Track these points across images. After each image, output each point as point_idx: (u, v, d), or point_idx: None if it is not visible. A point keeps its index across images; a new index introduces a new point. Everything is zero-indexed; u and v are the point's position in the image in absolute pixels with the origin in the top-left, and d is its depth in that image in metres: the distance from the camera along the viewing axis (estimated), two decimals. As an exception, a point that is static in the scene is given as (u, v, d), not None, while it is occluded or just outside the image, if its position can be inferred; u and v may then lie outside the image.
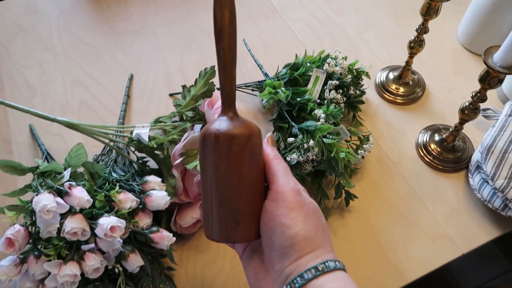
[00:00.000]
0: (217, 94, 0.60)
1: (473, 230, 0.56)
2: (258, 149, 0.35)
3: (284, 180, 0.34)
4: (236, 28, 0.34)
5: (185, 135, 0.54)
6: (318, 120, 0.54)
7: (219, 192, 0.33)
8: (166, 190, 0.52)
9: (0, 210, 0.49)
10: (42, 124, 0.68)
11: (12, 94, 0.72)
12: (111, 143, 0.60)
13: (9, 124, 0.69)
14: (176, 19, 0.82)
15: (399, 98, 0.69)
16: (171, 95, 0.72)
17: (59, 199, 0.43)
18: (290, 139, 0.53)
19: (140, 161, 0.60)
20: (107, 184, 0.49)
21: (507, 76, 0.64)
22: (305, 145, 0.52)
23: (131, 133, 0.61)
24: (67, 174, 0.49)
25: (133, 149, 0.61)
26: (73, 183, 0.46)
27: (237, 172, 0.33)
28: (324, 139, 0.52)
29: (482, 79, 0.50)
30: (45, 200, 0.41)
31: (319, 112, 0.54)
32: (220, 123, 0.34)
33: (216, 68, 0.35)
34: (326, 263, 0.31)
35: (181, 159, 0.52)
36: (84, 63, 0.76)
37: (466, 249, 0.55)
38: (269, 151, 0.36)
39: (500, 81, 0.49)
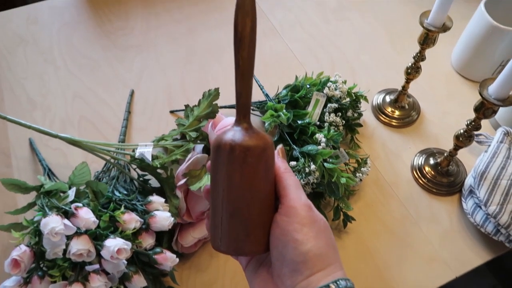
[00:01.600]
0: (219, 115, 0.61)
1: (466, 253, 0.58)
2: (272, 161, 0.35)
3: (296, 194, 0.34)
4: (256, 37, 0.33)
5: (189, 155, 0.55)
6: (319, 144, 0.56)
7: (231, 203, 0.33)
8: (169, 211, 0.52)
9: (1, 227, 0.49)
10: (42, 138, 0.68)
11: (11, 106, 0.72)
12: (113, 161, 0.60)
13: (8, 137, 0.69)
14: (177, 36, 0.83)
15: (394, 120, 0.71)
16: (171, 112, 0.73)
17: (66, 221, 0.43)
18: (293, 163, 0.55)
19: (141, 179, 0.60)
20: (112, 204, 0.50)
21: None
22: (307, 169, 0.53)
23: (133, 150, 0.62)
24: (72, 193, 0.49)
25: (134, 166, 0.62)
26: (80, 204, 0.46)
27: (250, 183, 0.33)
28: (325, 164, 0.53)
29: (477, 109, 0.52)
30: (53, 223, 0.41)
31: (320, 136, 0.56)
32: (235, 134, 0.33)
33: (234, 76, 0.34)
34: (338, 282, 0.31)
35: (184, 180, 0.53)
36: (84, 77, 0.77)
37: (460, 272, 0.57)
38: (280, 163, 0.36)
39: (494, 112, 0.51)
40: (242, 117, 0.34)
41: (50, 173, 0.59)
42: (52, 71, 0.77)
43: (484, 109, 0.51)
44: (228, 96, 0.63)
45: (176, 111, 0.72)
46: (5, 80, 0.75)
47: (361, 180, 0.60)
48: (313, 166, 0.53)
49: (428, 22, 0.57)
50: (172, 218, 0.50)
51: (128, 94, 0.74)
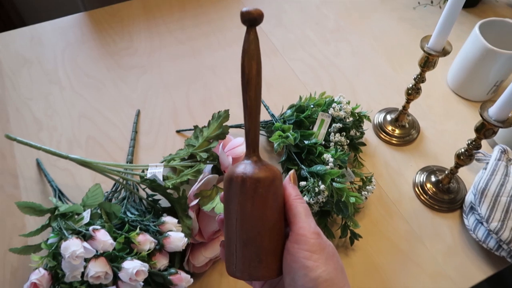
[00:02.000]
0: (227, 136, 0.62)
1: (469, 268, 0.60)
2: (280, 191, 0.37)
3: (305, 223, 0.36)
4: (261, 78, 0.36)
5: (201, 176, 0.56)
6: (327, 164, 0.57)
7: (244, 232, 0.35)
8: (182, 231, 0.53)
9: (14, 250, 0.49)
10: (50, 158, 0.69)
11: (18, 127, 0.73)
12: (123, 181, 0.61)
13: (15, 157, 0.69)
14: (181, 56, 0.85)
15: (394, 139, 0.74)
16: (178, 131, 0.74)
17: (86, 244, 0.43)
18: (302, 183, 0.56)
19: (151, 199, 0.61)
20: (127, 225, 0.50)
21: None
22: (316, 189, 0.54)
23: (143, 171, 0.63)
24: (87, 215, 0.50)
25: (143, 186, 0.63)
26: (98, 226, 0.47)
27: (261, 213, 0.35)
28: (334, 184, 0.55)
29: (478, 130, 0.55)
30: (74, 246, 0.42)
31: (327, 156, 0.58)
32: (245, 167, 0.35)
33: (243, 115, 0.37)
34: None
35: (197, 200, 0.54)
36: (90, 97, 0.77)
37: (464, 287, 0.58)
38: (291, 190, 0.37)
39: (494, 132, 0.53)
40: (252, 151, 0.37)
41: (60, 195, 0.60)
42: (57, 91, 0.78)
43: (485, 130, 0.53)
44: (233, 115, 0.64)
45: (183, 130, 0.73)
46: (10, 101, 0.76)
47: (366, 198, 0.62)
48: (322, 186, 0.54)
49: (428, 47, 0.59)
50: (186, 239, 0.51)
51: (133, 114, 0.75)
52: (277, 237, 0.36)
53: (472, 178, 0.69)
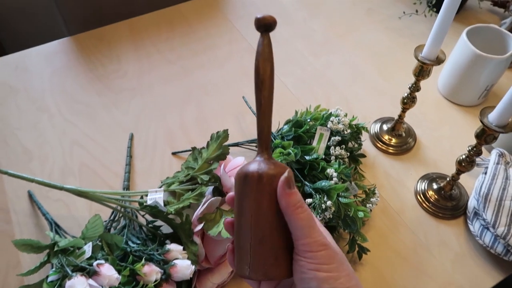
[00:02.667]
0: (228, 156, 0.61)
1: (479, 275, 0.59)
2: (293, 186, 0.37)
3: (309, 237, 0.34)
4: (274, 80, 0.37)
5: (204, 200, 0.54)
6: (331, 179, 0.56)
7: (260, 229, 0.34)
8: (188, 258, 0.51)
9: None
10: (42, 189, 0.66)
11: (7, 158, 0.70)
12: (121, 209, 0.59)
13: (5, 190, 0.66)
14: (172, 76, 0.84)
15: (391, 148, 0.74)
16: (174, 153, 0.72)
17: (91, 281, 0.41)
18: (309, 200, 0.55)
19: (151, 225, 0.59)
20: (131, 257, 0.48)
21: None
22: (323, 205, 0.54)
23: (142, 197, 0.61)
24: (88, 249, 0.47)
25: (142, 213, 0.61)
26: (102, 261, 0.45)
27: (277, 209, 0.34)
28: (340, 199, 0.54)
29: (478, 136, 0.55)
30: (79, 285, 0.40)
31: (331, 171, 0.57)
32: (260, 164, 0.35)
33: (256, 114, 0.37)
34: None
35: (201, 225, 0.52)
36: (81, 123, 0.75)
37: (475, 295, 0.58)
38: (287, 198, 0.34)
39: (495, 138, 0.54)
40: (265, 150, 0.37)
41: (57, 228, 0.57)
42: (46, 119, 0.76)
43: (486, 136, 0.54)
44: (229, 134, 0.63)
45: (179, 152, 0.72)
46: (-3, 132, 0.73)
47: (371, 210, 0.61)
48: (329, 202, 0.53)
49: (422, 56, 0.60)
50: (193, 266, 0.49)
51: (127, 138, 0.74)
52: (289, 235, 0.35)
53: (471, 182, 0.69)
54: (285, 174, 0.34)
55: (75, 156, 0.71)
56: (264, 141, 0.37)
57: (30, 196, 0.65)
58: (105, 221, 0.60)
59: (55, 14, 1.02)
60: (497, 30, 0.76)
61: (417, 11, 0.95)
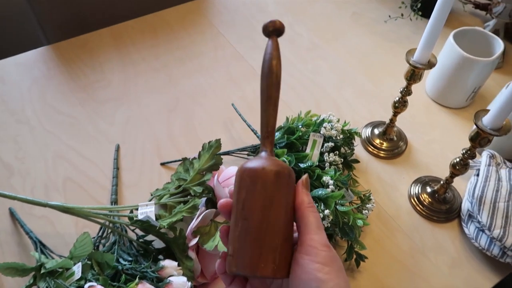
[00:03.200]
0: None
1: (475, 278, 0.59)
2: (294, 186, 0.37)
3: (317, 234, 0.34)
4: (281, 78, 0.37)
5: (198, 212, 0.52)
6: (327, 187, 0.55)
7: (279, 227, 0.34)
8: (183, 274, 0.49)
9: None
10: (24, 206, 0.63)
11: (-15, 175, 0.66)
12: (110, 224, 0.56)
13: (-16, 209, 0.63)
14: (158, 84, 0.82)
15: (382, 152, 0.73)
16: (162, 164, 0.70)
17: (84, 306, 0.39)
18: (306, 209, 0.54)
19: (142, 240, 0.57)
20: (123, 276, 0.46)
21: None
22: (321, 214, 0.52)
23: (131, 211, 0.59)
24: (78, 270, 0.45)
25: (132, 228, 0.58)
26: (93, 283, 0.42)
27: (278, 204, 0.34)
28: (338, 207, 0.53)
29: (473, 139, 0.55)
30: (71, 310, 0.37)
31: (327, 178, 0.56)
32: (263, 159, 0.35)
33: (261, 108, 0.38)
34: None
35: (196, 239, 0.50)
36: (64, 135, 0.72)
37: (474, 298, 0.58)
38: (304, 197, 0.36)
39: (489, 141, 0.54)
40: (269, 144, 0.37)
41: (42, 247, 0.54)
42: (26, 132, 0.72)
43: (480, 139, 0.54)
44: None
45: (168, 163, 0.70)
46: (-26, 146, 0.69)
47: (367, 217, 0.60)
48: (326, 211, 0.52)
49: (414, 60, 0.59)
50: (189, 283, 0.47)
51: (113, 149, 0.71)
52: (291, 232, 0.35)
53: (462, 184, 0.70)
54: (305, 175, 0.37)
55: (58, 170, 0.68)
56: (271, 134, 0.37)
57: (12, 214, 0.62)
58: (93, 237, 0.57)
59: (31, 21, 0.99)
60: (483, 33, 0.77)
61: (402, 14, 0.96)
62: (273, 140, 0.37)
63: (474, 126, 0.54)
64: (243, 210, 0.34)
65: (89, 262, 0.49)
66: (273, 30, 0.37)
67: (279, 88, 0.37)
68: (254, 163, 0.35)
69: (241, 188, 0.35)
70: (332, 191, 0.55)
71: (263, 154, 0.36)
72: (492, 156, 0.67)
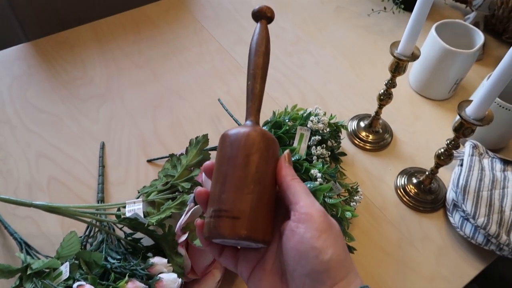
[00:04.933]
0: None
1: (461, 266, 0.60)
2: (277, 156, 0.37)
3: (308, 201, 0.33)
4: (269, 58, 0.40)
5: (186, 208, 0.52)
6: (316, 180, 0.56)
7: (261, 186, 0.33)
8: (173, 271, 0.49)
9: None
10: (7, 207, 0.61)
11: (-35, 176, 0.65)
12: (97, 223, 0.55)
13: (-35, 211, 0.61)
14: (142, 80, 0.81)
15: (368, 144, 0.74)
16: (149, 161, 0.69)
17: (73, 306, 0.38)
18: (295, 203, 0.54)
19: (130, 238, 0.56)
20: (112, 274, 0.45)
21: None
22: (310, 207, 0.52)
23: (119, 209, 0.58)
24: (65, 270, 0.44)
25: (120, 226, 0.58)
26: (82, 282, 0.41)
27: (265, 169, 0.34)
28: (327, 200, 0.53)
29: (456, 129, 0.56)
30: (60, 311, 0.36)
31: (315, 171, 0.56)
32: (249, 126, 0.36)
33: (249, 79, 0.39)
34: None
35: (186, 235, 0.50)
36: (46, 134, 0.71)
37: (460, 285, 0.59)
38: (287, 170, 0.35)
39: (473, 131, 0.55)
40: (257, 112, 0.37)
41: (27, 248, 0.53)
42: (7, 131, 0.71)
43: (464, 129, 0.55)
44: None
45: (154, 159, 0.69)
46: (-47, 147, 0.67)
47: (355, 209, 0.61)
48: (315, 203, 0.52)
49: (398, 52, 0.60)
50: (180, 279, 0.47)
51: (98, 147, 0.70)
52: (273, 200, 0.35)
53: (446, 174, 0.71)
54: (287, 151, 0.37)
55: (42, 169, 0.66)
56: (258, 105, 0.37)
57: (-5, 215, 0.60)
58: (80, 236, 0.56)
59: (9, 17, 0.96)
60: (464, 25, 0.78)
61: (385, 8, 0.96)
62: (259, 110, 0.38)
63: (458, 117, 0.55)
64: (229, 173, 0.34)
65: (76, 262, 0.48)
66: (260, 15, 0.40)
67: (266, 60, 0.39)
68: (238, 129, 0.35)
69: (225, 155, 0.35)
70: (320, 184, 0.55)
71: (247, 122, 0.37)
72: (475, 147, 0.68)
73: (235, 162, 0.34)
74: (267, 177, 0.34)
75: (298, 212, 0.33)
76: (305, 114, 0.65)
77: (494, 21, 0.93)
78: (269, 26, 0.41)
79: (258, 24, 0.40)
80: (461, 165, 0.67)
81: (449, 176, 0.68)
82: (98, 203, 0.62)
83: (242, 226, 0.32)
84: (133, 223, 0.53)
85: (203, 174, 0.54)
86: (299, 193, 0.33)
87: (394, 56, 0.60)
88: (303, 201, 0.33)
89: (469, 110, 0.53)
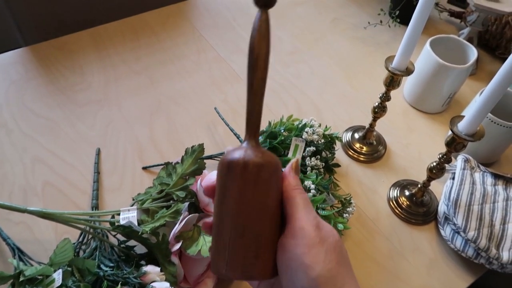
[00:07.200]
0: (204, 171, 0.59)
1: (452, 279, 0.61)
2: (281, 181, 0.35)
3: (303, 214, 0.32)
4: (269, 62, 0.35)
5: (181, 217, 0.52)
6: (309, 191, 0.56)
7: (242, 220, 0.32)
8: (166, 280, 0.49)
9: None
10: (1, 212, 0.61)
11: (-40, 179, 0.65)
12: (91, 230, 0.56)
13: (-41, 215, 0.61)
14: (139, 87, 0.81)
15: (362, 156, 0.75)
16: (144, 168, 0.69)
17: (65, 314, 0.38)
18: (288, 213, 0.54)
19: (124, 246, 0.56)
20: (105, 282, 0.46)
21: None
22: (303, 218, 0.53)
23: (113, 216, 0.58)
24: (58, 277, 0.44)
25: (114, 233, 0.58)
26: (75, 290, 0.42)
27: (262, 201, 0.32)
28: (319, 211, 0.54)
29: (448, 144, 0.57)
30: (52, 319, 0.37)
31: (308, 183, 0.57)
32: (246, 151, 0.33)
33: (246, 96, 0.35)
34: None
35: (179, 244, 0.50)
36: (43, 139, 0.71)
37: (450, 298, 0.59)
38: (291, 179, 0.34)
39: (464, 146, 0.56)
40: (253, 135, 0.34)
41: (20, 254, 0.53)
42: (4, 135, 0.71)
43: (456, 144, 0.56)
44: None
45: (150, 167, 0.69)
46: None
47: (347, 220, 0.61)
48: (309, 215, 0.53)
49: (393, 67, 0.61)
50: (172, 288, 0.47)
51: (93, 153, 0.70)
52: (276, 230, 0.33)
53: (438, 187, 0.71)
54: (295, 159, 0.35)
55: (37, 174, 0.66)
56: (253, 125, 0.34)
57: (-12, 220, 0.60)
58: (73, 243, 0.56)
59: (8, 21, 0.97)
60: (458, 41, 0.80)
61: (381, 21, 0.98)
62: (257, 131, 0.34)
63: (450, 132, 0.56)
64: (222, 206, 0.33)
65: (69, 269, 0.48)
66: (258, 1, 0.33)
67: (265, 72, 0.34)
68: (232, 153, 0.33)
69: (218, 183, 0.33)
70: (314, 195, 0.56)
71: (244, 144, 0.34)
72: (467, 160, 0.69)
73: (230, 197, 0.32)
74: (268, 208, 0.33)
75: (291, 226, 0.32)
76: (300, 125, 0.66)
77: (487, 37, 0.95)
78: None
79: (259, 14, 0.34)
80: (453, 178, 0.68)
81: (441, 189, 0.69)
82: (93, 209, 0.62)
83: (222, 263, 0.32)
84: (127, 231, 0.53)
85: (198, 183, 0.55)
86: (297, 205, 0.33)
87: (389, 71, 0.61)
88: (298, 213, 0.33)
89: (461, 126, 0.54)
